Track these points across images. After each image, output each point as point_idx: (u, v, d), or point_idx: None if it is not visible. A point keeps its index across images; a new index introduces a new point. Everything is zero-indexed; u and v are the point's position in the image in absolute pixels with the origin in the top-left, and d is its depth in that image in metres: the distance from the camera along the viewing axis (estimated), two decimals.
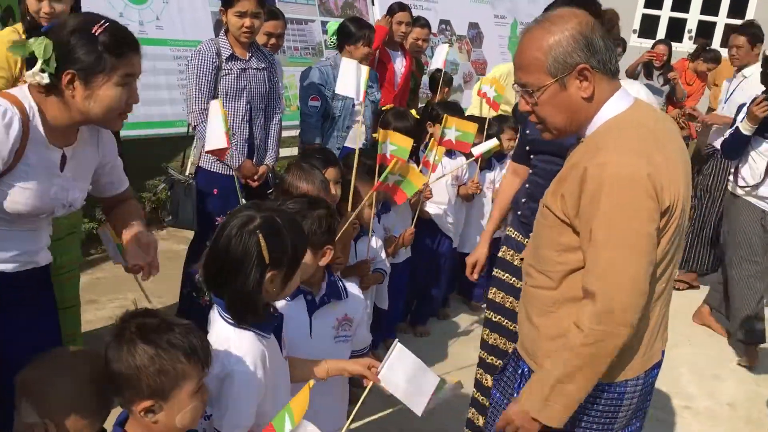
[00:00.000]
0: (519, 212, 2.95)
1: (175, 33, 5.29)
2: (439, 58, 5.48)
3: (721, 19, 13.06)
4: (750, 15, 12.75)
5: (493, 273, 3.06)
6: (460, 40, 7.82)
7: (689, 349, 4.73)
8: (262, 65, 3.98)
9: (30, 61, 1.91)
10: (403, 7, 5.52)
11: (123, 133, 4.94)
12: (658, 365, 2.02)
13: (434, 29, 7.54)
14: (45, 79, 1.88)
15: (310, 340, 2.28)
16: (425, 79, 6.14)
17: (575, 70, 1.80)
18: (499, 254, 3.06)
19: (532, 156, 2.92)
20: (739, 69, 5.72)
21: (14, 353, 1.89)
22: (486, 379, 3.08)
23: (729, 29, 12.66)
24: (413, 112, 4.69)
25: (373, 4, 6.75)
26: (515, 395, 2.05)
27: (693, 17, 13.05)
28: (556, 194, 1.86)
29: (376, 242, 3.35)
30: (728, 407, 4.10)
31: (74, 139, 2.08)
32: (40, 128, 1.96)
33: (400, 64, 5.54)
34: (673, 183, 1.77)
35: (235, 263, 1.75)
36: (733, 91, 5.67)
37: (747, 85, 5.50)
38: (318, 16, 6.41)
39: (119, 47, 1.94)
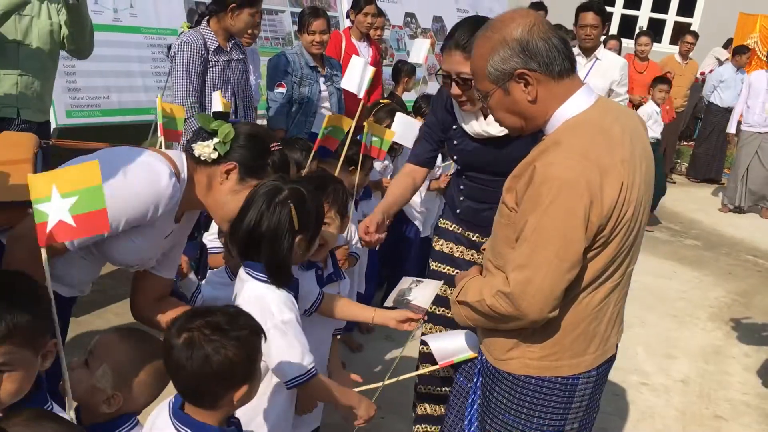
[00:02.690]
0: (458, 210, 2.89)
1: (149, 21, 5.33)
2: (419, 53, 5.47)
3: (671, 17, 13.54)
4: (698, 13, 13.24)
5: (432, 267, 2.98)
6: (424, 33, 8.00)
7: (643, 330, 5.02)
8: (240, 56, 4.08)
9: (204, 134, 2.07)
10: (369, 0, 5.70)
11: (97, 120, 4.99)
12: (613, 358, 2.05)
13: (400, 22, 7.70)
14: (214, 154, 2.04)
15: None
16: (388, 69, 6.30)
17: (514, 76, 1.81)
18: (435, 247, 2.99)
19: (464, 173, 2.87)
20: (592, 50, 5.34)
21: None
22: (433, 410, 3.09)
23: (678, 27, 13.15)
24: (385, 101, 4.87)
25: None
26: (475, 379, 2.16)
27: (644, 15, 13.48)
28: (511, 190, 1.88)
29: (351, 228, 3.52)
30: (681, 383, 4.39)
31: (181, 217, 2.18)
32: (178, 200, 2.05)
33: (366, 55, 5.70)
34: (626, 184, 1.77)
35: (271, 232, 1.94)
36: (587, 75, 5.28)
37: (602, 68, 5.32)
38: (288, 7, 6.50)
39: (282, 168, 2.14)
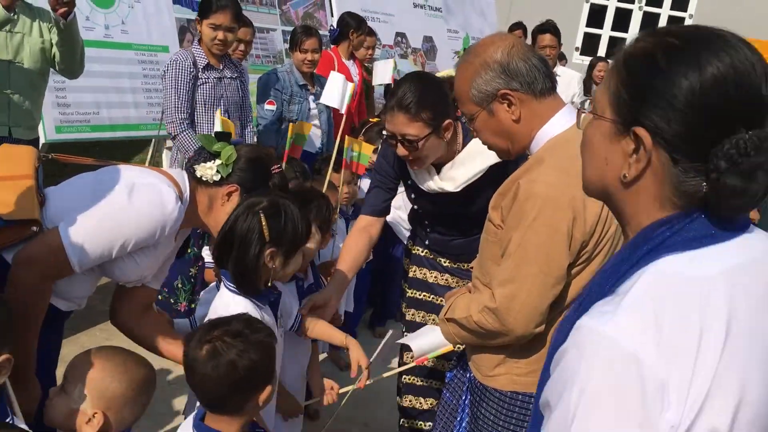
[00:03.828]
0: (426, 241, 2.83)
1: (140, 37, 5.35)
2: (385, 74, 5.38)
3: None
4: None
5: (408, 295, 2.93)
6: (415, 52, 8.06)
7: None
8: (235, 75, 4.09)
9: (206, 155, 2.09)
10: (361, 21, 5.77)
11: (87, 135, 4.99)
12: None
13: (390, 41, 7.76)
14: (216, 176, 2.07)
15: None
16: (381, 89, 6.34)
17: (497, 96, 1.85)
18: (410, 274, 2.93)
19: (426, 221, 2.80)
20: None
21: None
22: (419, 403, 3.03)
23: None
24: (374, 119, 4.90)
25: (332, 15, 6.92)
26: (464, 397, 2.17)
27: (631, 37, 13.62)
28: (497, 208, 1.91)
29: (338, 245, 3.53)
30: None
31: (177, 236, 2.20)
32: (181, 220, 2.06)
33: (355, 72, 5.75)
34: None
35: (239, 238, 1.96)
36: None
37: (563, 84, 5.48)
38: (279, 25, 6.54)
39: (282, 190, 2.18)
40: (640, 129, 1.02)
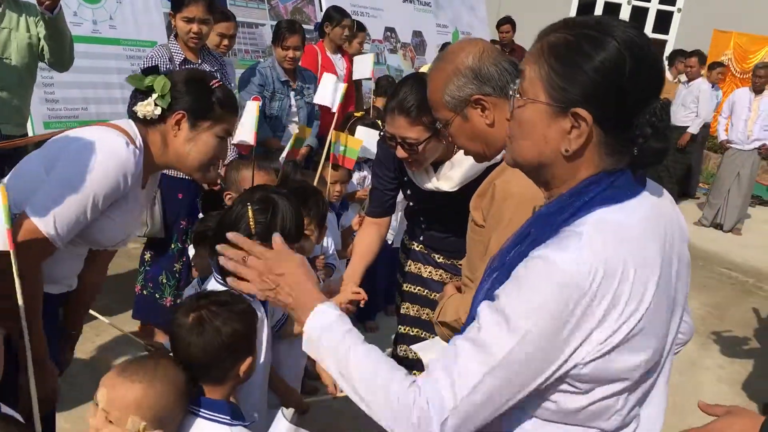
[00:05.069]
0: (421, 237, 2.85)
1: (128, 33, 5.34)
2: (365, 68, 5.20)
3: (647, 34, 13.71)
4: (673, 30, 13.48)
5: (404, 288, 2.94)
6: (404, 47, 8.06)
7: None
8: (215, 67, 4.05)
9: (141, 95, 2.05)
10: (345, 13, 5.77)
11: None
12: None
13: (380, 36, 7.76)
14: (157, 110, 2.03)
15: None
16: (371, 83, 6.35)
17: (470, 102, 1.88)
18: (405, 268, 2.95)
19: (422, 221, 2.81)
20: None
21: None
22: (413, 352, 3.00)
23: (654, 43, 13.36)
24: (358, 114, 4.92)
25: (321, 10, 6.91)
26: None
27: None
28: (477, 208, 1.94)
29: (327, 239, 3.54)
30: None
31: (146, 182, 2.19)
32: (141, 165, 2.04)
33: (341, 67, 5.75)
34: None
35: (227, 228, 1.95)
36: None
37: None
38: (268, 20, 6.53)
39: (229, 104, 2.13)
40: (581, 110, 1.20)
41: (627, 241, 1.19)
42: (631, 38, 1.22)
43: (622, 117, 1.21)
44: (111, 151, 1.93)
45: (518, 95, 1.29)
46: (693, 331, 1.67)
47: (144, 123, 2.07)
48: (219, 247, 1.54)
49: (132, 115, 2.08)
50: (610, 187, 1.23)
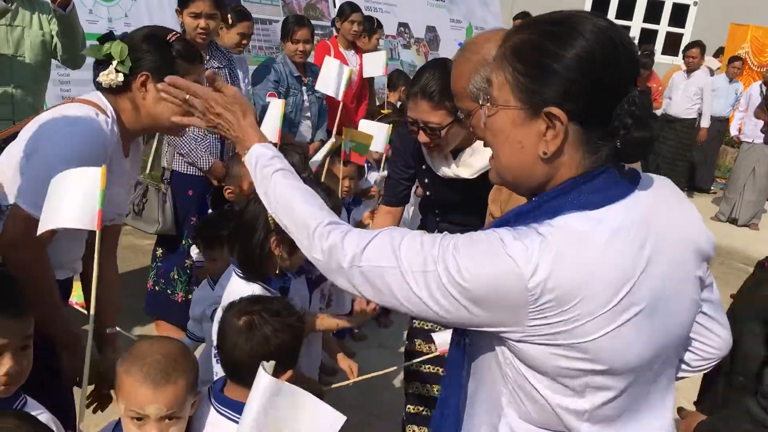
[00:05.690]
0: (436, 230, 2.76)
1: None
2: (377, 67, 5.22)
3: (663, 28, 13.64)
4: (690, 23, 13.36)
5: None
6: (417, 42, 8.04)
7: None
8: (223, 63, 4.03)
9: (103, 64, 2.02)
10: (355, 8, 5.72)
11: None
12: None
13: (393, 32, 7.75)
14: (120, 77, 1.99)
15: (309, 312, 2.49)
16: (384, 79, 6.33)
17: None
18: None
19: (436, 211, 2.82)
20: None
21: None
22: (425, 390, 2.97)
23: (670, 37, 13.26)
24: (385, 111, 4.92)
25: (335, 6, 6.90)
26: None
27: (636, 25, 13.58)
28: (495, 201, 1.96)
29: None
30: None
31: (128, 150, 2.17)
32: (117, 135, 2.03)
33: (354, 63, 5.73)
34: None
35: (247, 224, 2.05)
36: None
37: None
38: (281, 17, 6.52)
39: (191, 55, 2.07)
40: (554, 109, 1.16)
41: (585, 252, 1.15)
42: (599, 29, 1.17)
43: (600, 110, 1.17)
44: (85, 126, 1.92)
45: (489, 104, 1.26)
46: (729, 345, 1.52)
47: (111, 92, 2.04)
48: (160, 86, 1.73)
49: (98, 86, 2.05)
50: (585, 193, 1.19)
